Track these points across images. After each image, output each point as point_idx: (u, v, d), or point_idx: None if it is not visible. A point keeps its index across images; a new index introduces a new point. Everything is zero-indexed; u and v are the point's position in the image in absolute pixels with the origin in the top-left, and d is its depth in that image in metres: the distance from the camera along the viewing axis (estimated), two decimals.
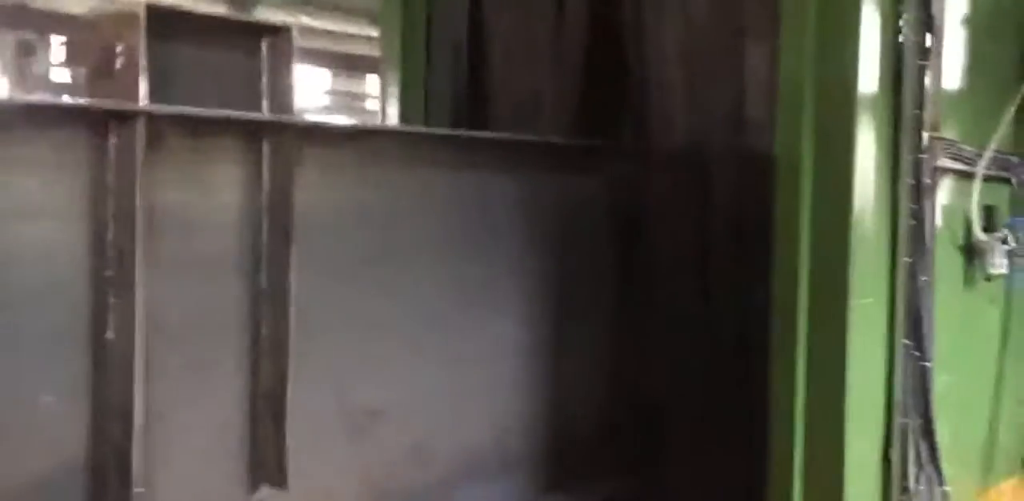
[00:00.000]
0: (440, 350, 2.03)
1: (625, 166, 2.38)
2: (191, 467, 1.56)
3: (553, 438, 2.28)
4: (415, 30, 2.67)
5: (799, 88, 2.06)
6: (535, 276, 2.23)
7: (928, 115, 2.20)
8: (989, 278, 2.62)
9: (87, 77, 1.43)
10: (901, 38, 2.14)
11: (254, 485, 1.68)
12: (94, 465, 1.44)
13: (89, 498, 1.43)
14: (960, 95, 2.42)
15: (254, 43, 1.60)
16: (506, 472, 2.19)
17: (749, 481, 2.15)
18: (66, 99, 1.43)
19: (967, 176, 2.47)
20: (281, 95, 1.62)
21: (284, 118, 1.62)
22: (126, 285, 1.44)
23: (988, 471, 2.74)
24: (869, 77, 2.06)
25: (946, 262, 2.39)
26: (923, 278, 2.19)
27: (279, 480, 1.66)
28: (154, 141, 1.43)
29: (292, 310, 1.64)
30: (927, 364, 2.19)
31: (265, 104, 1.62)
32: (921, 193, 2.18)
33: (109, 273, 1.45)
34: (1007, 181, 2.68)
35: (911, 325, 2.18)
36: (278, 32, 1.59)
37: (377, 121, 3.36)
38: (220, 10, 6.04)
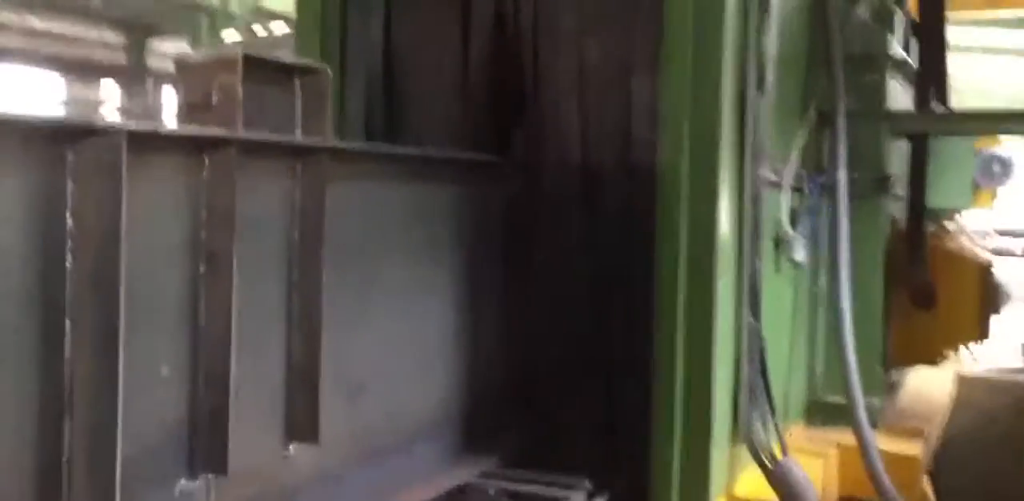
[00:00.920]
0: (400, 335, 2.44)
1: (526, 178, 2.87)
2: (250, 425, 1.91)
3: (473, 403, 2.75)
4: (330, 59, 3.03)
5: (677, 116, 2.65)
6: (457, 271, 2.68)
7: (760, 138, 2.86)
8: (791, 263, 3.36)
9: (188, 110, 1.74)
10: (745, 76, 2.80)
11: (288, 441, 2.04)
12: (194, 420, 1.77)
13: (190, 446, 1.77)
14: (774, 120, 3.11)
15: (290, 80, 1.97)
16: (443, 433, 2.64)
17: (637, 425, 2.73)
18: (193, 129, 1.70)
19: (778, 185, 3.18)
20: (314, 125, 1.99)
21: (316, 142, 2.00)
22: (218, 281, 1.77)
23: (786, 415, 3.48)
24: (728, 109, 2.68)
25: (766, 251, 3.09)
26: (758, 263, 2.85)
27: (312, 437, 2.03)
28: (242, 163, 1.78)
29: (323, 299, 2.02)
30: (761, 329, 2.87)
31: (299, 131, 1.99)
32: (756, 200, 2.85)
33: (203, 270, 1.78)
34: (800, 190, 3.43)
35: (750, 298, 2.85)
36: (315, 72, 1.97)
37: None
38: None
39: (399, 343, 2.43)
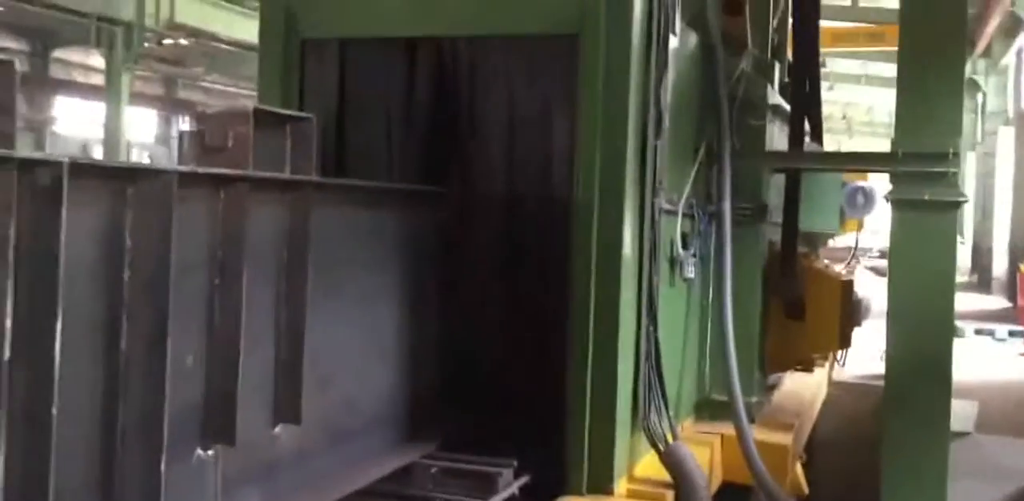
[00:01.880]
0: (357, 337, 2.89)
1: (457, 205, 3.36)
2: (246, 408, 2.33)
3: (415, 397, 3.21)
4: (290, 101, 3.47)
5: (589, 155, 3.16)
6: (401, 283, 3.15)
7: (658, 174, 3.42)
8: (684, 280, 3.93)
9: (204, 152, 2.18)
10: (646, 122, 3.34)
11: (275, 422, 2.48)
12: (209, 401, 2.20)
13: (205, 422, 2.19)
14: (670, 158, 3.67)
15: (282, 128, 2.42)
16: (393, 421, 3.10)
17: (551, 416, 3.23)
18: (221, 170, 2.11)
19: (673, 213, 3.74)
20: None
21: (304, 178, 2.45)
22: (230, 290, 2.21)
23: (678, 411, 4.03)
24: (632, 155, 3.22)
25: (662, 270, 3.64)
26: (655, 279, 3.40)
27: (295, 419, 2.47)
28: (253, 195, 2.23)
29: (308, 307, 2.46)
30: (657, 334, 3.41)
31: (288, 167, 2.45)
32: (655, 225, 3.40)
33: (217, 281, 2.22)
34: (692, 217, 4.00)
35: (648, 309, 3.38)
36: (304, 120, 2.43)
37: None
38: None
39: (356, 344, 2.88)
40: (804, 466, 5.05)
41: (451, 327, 3.32)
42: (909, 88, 3.87)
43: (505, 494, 2.95)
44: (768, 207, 4.35)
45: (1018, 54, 19.54)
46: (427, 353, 3.24)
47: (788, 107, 4.68)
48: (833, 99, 24.27)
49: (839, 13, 17.15)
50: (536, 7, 3.28)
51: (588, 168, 3.15)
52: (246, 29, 17.98)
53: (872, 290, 6.35)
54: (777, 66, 4.86)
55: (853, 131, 29.93)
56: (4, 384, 1.60)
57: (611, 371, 3.17)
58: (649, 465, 3.46)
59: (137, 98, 19.51)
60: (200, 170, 2.09)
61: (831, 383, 6.17)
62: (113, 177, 1.92)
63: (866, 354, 7.56)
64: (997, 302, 18.21)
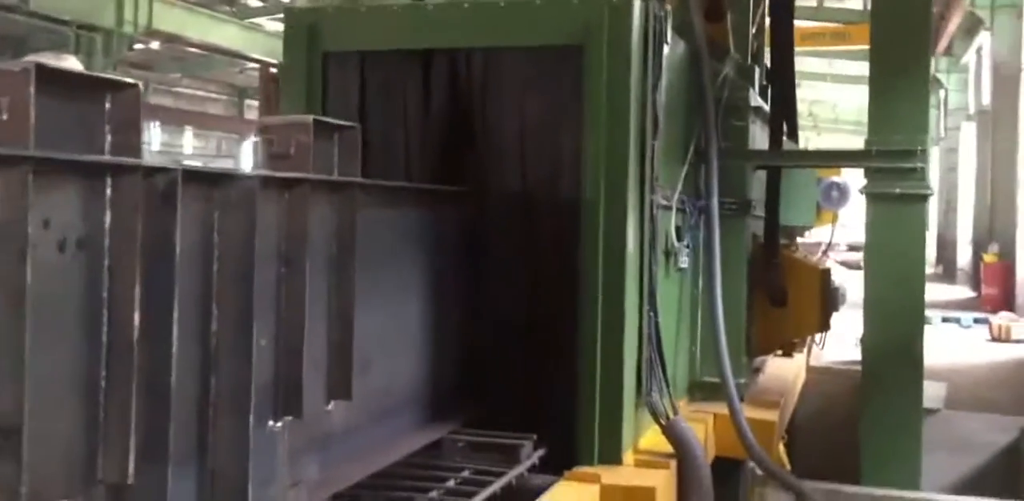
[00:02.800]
0: (392, 324, 3.18)
1: (475, 205, 3.66)
2: (307, 385, 2.61)
3: (441, 379, 3.51)
4: (314, 107, 3.75)
5: (596, 160, 3.48)
6: (429, 276, 3.44)
7: (654, 172, 3.73)
8: (678, 270, 4.26)
9: (271, 159, 2.46)
10: (644, 125, 3.66)
11: (328, 398, 2.77)
12: (278, 378, 2.48)
13: (275, 398, 2.48)
14: (664, 157, 3.99)
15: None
16: (422, 401, 3.40)
17: (564, 395, 3.54)
18: (288, 173, 2.38)
19: (668, 208, 4.06)
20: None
21: (352, 180, 2.75)
22: (294, 279, 2.50)
23: (674, 392, 4.35)
24: (633, 155, 3.54)
25: (660, 260, 3.97)
26: (655, 269, 3.72)
27: (347, 396, 2.76)
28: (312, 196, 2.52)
29: (356, 302, 2.75)
30: (658, 319, 3.73)
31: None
32: (653, 220, 3.72)
33: (283, 271, 2.50)
34: (683, 211, 4.33)
35: (649, 296, 3.70)
36: (350, 129, 2.72)
37: None
38: None
39: (392, 331, 3.18)
40: (786, 446, 5.41)
41: (472, 316, 3.62)
42: (880, 92, 4.22)
43: (527, 464, 3.26)
44: (752, 202, 4.69)
45: (978, 52, 20.14)
46: (451, 339, 3.53)
47: (768, 108, 5.03)
48: (800, 97, 24.70)
49: (806, 13, 17.62)
50: (543, 21, 3.59)
51: (594, 169, 3.47)
52: (219, 34, 18.21)
53: (845, 281, 6.73)
54: (756, 70, 5.20)
55: (820, 128, 30.51)
56: (135, 360, 1.89)
57: (618, 353, 3.49)
58: (652, 438, 3.78)
59: None
60: (277, 174, 2.38)
61: (809, 369, 6.54)
62: (209, 181, 2.21)
63: (842, 341, 7.96)
64: (962, 292, 18.80)
